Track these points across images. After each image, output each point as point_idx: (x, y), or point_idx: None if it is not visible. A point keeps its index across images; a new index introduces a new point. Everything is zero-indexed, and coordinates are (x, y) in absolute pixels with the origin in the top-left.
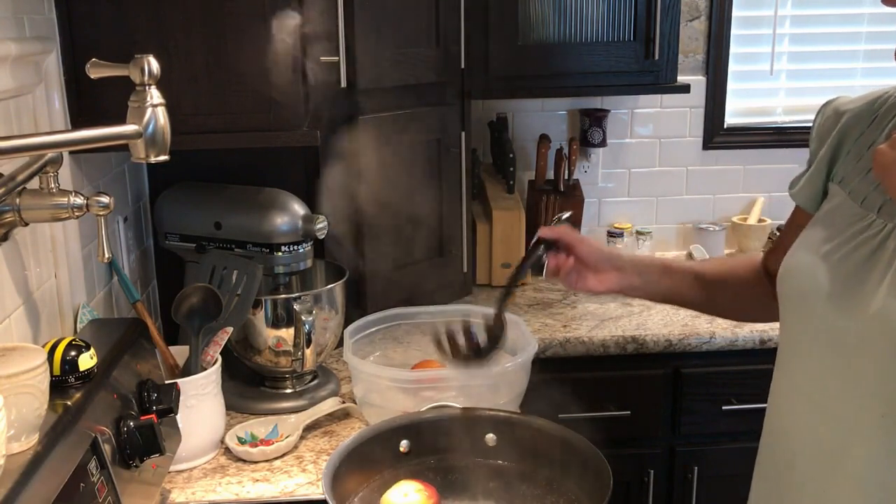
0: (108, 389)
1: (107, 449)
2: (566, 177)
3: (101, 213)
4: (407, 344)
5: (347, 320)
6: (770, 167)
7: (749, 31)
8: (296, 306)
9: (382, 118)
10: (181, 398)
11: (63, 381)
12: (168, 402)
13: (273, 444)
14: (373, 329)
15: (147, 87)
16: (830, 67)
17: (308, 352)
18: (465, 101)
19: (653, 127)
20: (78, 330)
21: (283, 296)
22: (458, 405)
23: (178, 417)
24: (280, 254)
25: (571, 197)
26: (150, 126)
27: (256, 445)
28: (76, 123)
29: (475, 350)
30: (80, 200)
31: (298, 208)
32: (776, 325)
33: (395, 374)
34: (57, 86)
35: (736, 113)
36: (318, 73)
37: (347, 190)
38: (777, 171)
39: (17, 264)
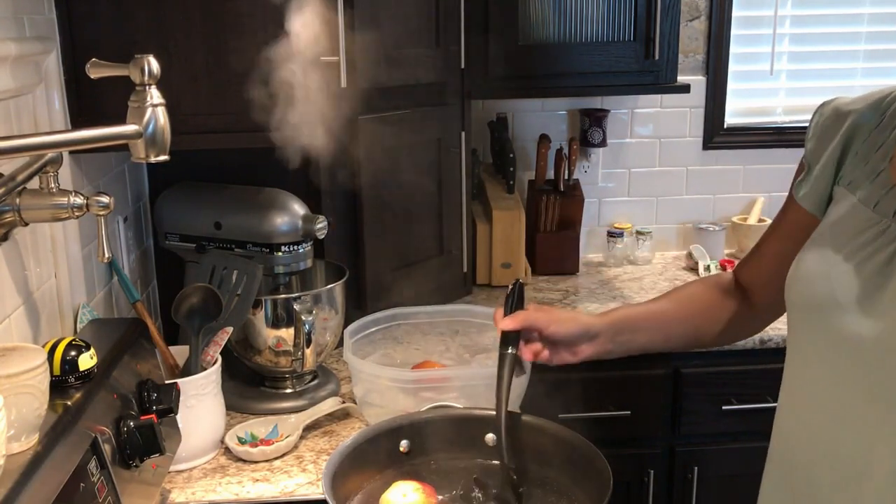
0: (108, 389)
1: (107, 449)
2: (566, 177)
3: (101, 213)
4: (407, 344)
5: (347, 320)
6: (770, 167)
7: (749, 31)
8: (296, 306)
9: (382, 118)
10: (181, 398)
11: (63, 381)
12: (168, 402)
13: (273, 444)
14: (373, 329)
15: (147, 87)
16: (830, 67)
17: (308, 352)
18: (465, 101)
19: (653, 127)
20: (78, 330)
21: (283, 296)
22: (458, 405)
23: (178, 417)
24: (280, 254)
25: (571, 197)
26: (150, 126)
27: (256, 445)
28: (76, 123)
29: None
30: (80, 200)
31: (298, 208)
32: (776, 324)
33: (395, 374)
34: (57, 86)
35: (736, 113)
36: (318, 73)
37: (347, 190)
38: (777, 171)
39: (17, 264)
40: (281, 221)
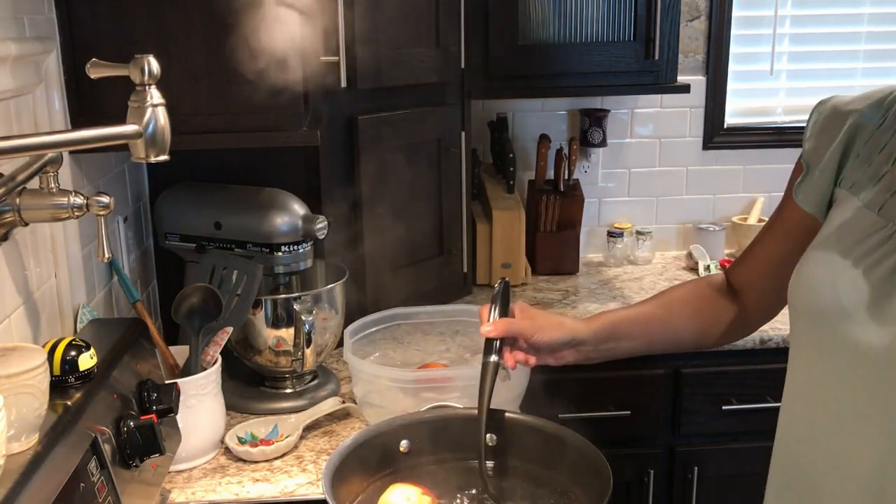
0: (108, 389)
1: (107, 449)
2: (566, 177)
3: (101, 213)
4: (407, 344)
5: (347, 320)
6: (770, 167)
7: (749, 31)
8: (296, 306)
9: (382, 118)
10: (181, 398)
11: (63, 381)
12: (168, 402)
13: (273, 444)
14: (373, 329)
15: (147, 87)
16: (830, 67)
17: (308, 352)
18: (465, 101)
19: (653, 127)
20: (78, 330)
21: (283, 296)
22: (458, 405)
23: (178, 417)
24: (280, 254)
25: (571, 197)
26: (150, 126)
27: (256, 445)
28: (76, 123)
29: None
30: (80, 200)
31: (298, 208)
32: (776, 325)
33: (395, 374)
34: (57, 86)
35: (736, 113)
36: (318, 73)
37: (347, 190)
38: (777, 171)
39: (17, 264)
40: (281, 221)
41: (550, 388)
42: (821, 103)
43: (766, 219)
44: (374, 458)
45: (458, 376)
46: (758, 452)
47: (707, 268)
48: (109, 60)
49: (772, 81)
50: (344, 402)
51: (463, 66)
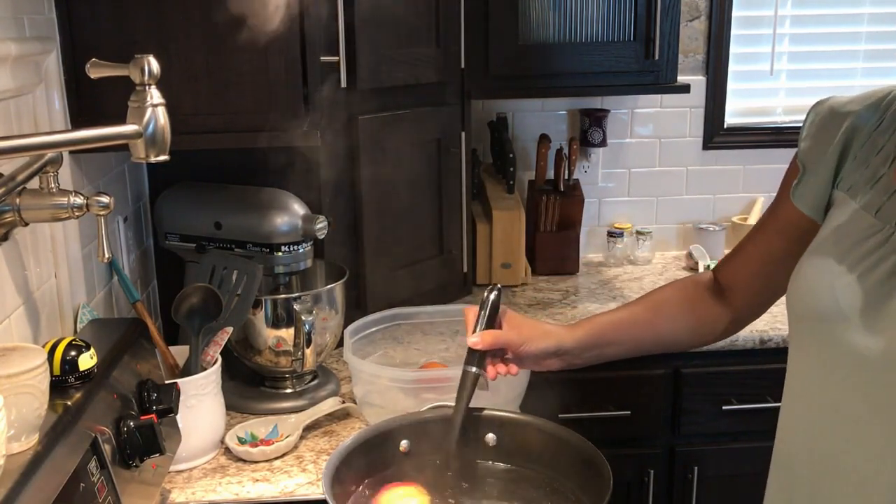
0: (108, 389)
1: (107, 449)
2: (566, 177)
3: (101, 213)
4: (407, 344)
5: (347, 320)
6: (770, 167)
7: (749, 31)
8: (296, 306)
9: (382, 118)
10: (181, 398)
11: (63, 381)
12: (168, 402)
13: (273, 444)
14: (373, 329)
15: (147, 87)
16: (830, 67)
17: (308, 352)
18: (465, 101)
19: (653, 127)
20: (78, 330)
21: (283, 296)
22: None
23: (178, 417)
24: (280, 254)
25: (571, 197)
26: (150, 126)
27: (256, 445)
28: (76, 123)
29: None
30: (80, 200)
31: (298, 208)
32: (776, 325)
33: (395, 374)
34: (57, 86)
35: (736, 113)
36: (318, 73)
37: (347, 190)
38: (777, 171)
39: (17, 264)
40: (281, 221)
41: (550, 388)
42: (818, 104)
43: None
44: (374, 458)
45: (458, 376)
46: (758, 452)
47: (707, 268)
48: (109, 60)
49: (772, 81)
50: (344, 402)
51: (463, 66)
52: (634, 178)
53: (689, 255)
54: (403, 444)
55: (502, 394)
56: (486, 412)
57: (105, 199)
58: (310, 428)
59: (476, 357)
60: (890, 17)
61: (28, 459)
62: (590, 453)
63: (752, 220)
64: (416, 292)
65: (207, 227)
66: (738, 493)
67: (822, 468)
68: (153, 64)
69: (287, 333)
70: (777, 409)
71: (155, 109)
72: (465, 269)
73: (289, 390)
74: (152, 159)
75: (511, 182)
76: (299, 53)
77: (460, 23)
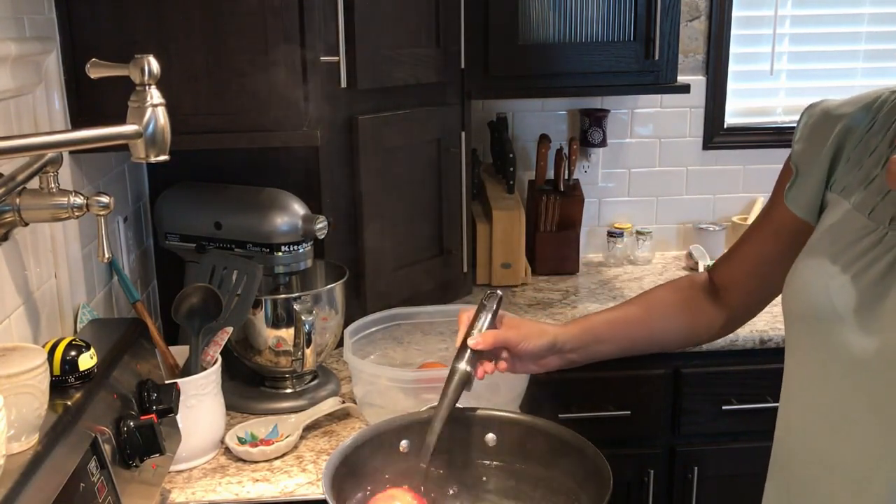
0: (108, 389)
1: (107, 449)
2: (566, 177)
3: (101, 213)
4: (407, 344)
5: (347, 320)
6: (770, 167)
7: (749, 31)
8: (296, 306)
9: (382, 118)
10: (181, 398)
11: (63, 381)
12: (168, 402)
13: (273, 444)
14: (373, 329)
15: (147, 87)
16: (830, 67)
17: (308, 352)
18: (465, 101)
19: (653, 127)
20: (78, 330)
21: (283, 296)
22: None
23: (178, 417)
24: (280, 254)
25: (571, 197)
26: (150, 126)
27: (256, 445)
28: (76, 123)
29: None
30: (80, 200)
31: (298, 208)
32: (776, 325)
33: (395, 374)
34: (57, 86)
35: (736, 113)
36: (318, 73)
37: (347, 190)
38: (777, 172)
39: (17, 264)
40: (281, 221)
41: (550, 388)
42: (811, 106)
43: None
44: (374, 458)
45: None
46: (758, 452)
47: (707, 268)
48: (109, 60)
49: (772, 81)
50: (344, 402)
51: (463, 66)
52: (634, 178)
53: (689, 255)
54: (403, 444)
55: (502, 394)
56: (486, 412)
57: (105, 199)
58: (310, 428)
59: (469, 356)
60: (890, 17)
61: (28, 459)
62: (590, 453)
63: (752, 220)
64: (416, 292)
65: (207, 227)
66: (738, 493)
67: (820, 468)
68: (153, 64)
69: (287, 333)
70: (777, 409)
71: (155, 109)
72: (465, 269)
73: (289, 390)
74: (152, 159)
75: (511, 182)
76: (299, 53)
77: (460, 23)
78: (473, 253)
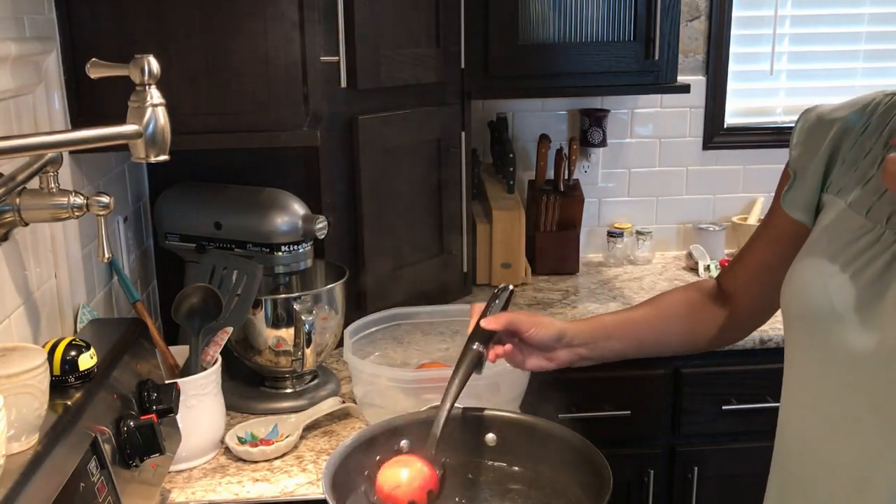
0: (108, 389)
1: (107, 449)
2: (566, 177)
3: (101, 213)
4: (407, 344)
5: (347, 320)
6: (770, 167)
7: (749, 31)
8: (296, 306)
9: (382, 118)
10: (181, 398)
11: (63, 381)
12: (168, 402)
13: (273, 443)
14: (373, 329)
15: (147, 87)
16: (830, 67)
17: (308, 352)
18: (465, 101)
19: (653, 127)
20: (78, 330)
21: (283, 296)
22: (458, 405)
23: (178, 417)
24: (280, 254)
25: (571, 197)
26: (150, 126)
27: (256, 445)
28: (76, 123)
29: None
30: (80, 200)
31: (298, 208)
32: (776, 325)
33: (395, 374)
34: (57, 86)
35: (736, 113)
36: (318, 73)
37: (347, 190)
38: (777, 171)
39: (17, 264)
40: (281, 221)
41: (550, 388)
42: (806, 111)
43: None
44: (374, 459)
45: None
46: (758, 452)
47: (707, 268)
48: (109, 60)
49: (772, 81)
50: (344, 402)
51: (463, 66)
52: (634, 178)
53: (689, 255)
54: (403, 444)
55: (502, 394)
56: (486, 412)
57: (105, 199)
58: (310, 428)
59: (482, 337)
60: (890, 17)
61: (28, 459)
62: (590, 453)
63: (752, 220)
64: (416, 292)
65: (207, 227)
66: (738, 493)
67: (820, 467)
68: (153, 64)
69: (287, 333)
70: (777, 409)
71: (155, 109)
72: (465, 269)
73: (289, 390)
74: (152, 159)
75: (511, 182)
76: (299, 53)
77: (460, 23)
78: (473, 253)
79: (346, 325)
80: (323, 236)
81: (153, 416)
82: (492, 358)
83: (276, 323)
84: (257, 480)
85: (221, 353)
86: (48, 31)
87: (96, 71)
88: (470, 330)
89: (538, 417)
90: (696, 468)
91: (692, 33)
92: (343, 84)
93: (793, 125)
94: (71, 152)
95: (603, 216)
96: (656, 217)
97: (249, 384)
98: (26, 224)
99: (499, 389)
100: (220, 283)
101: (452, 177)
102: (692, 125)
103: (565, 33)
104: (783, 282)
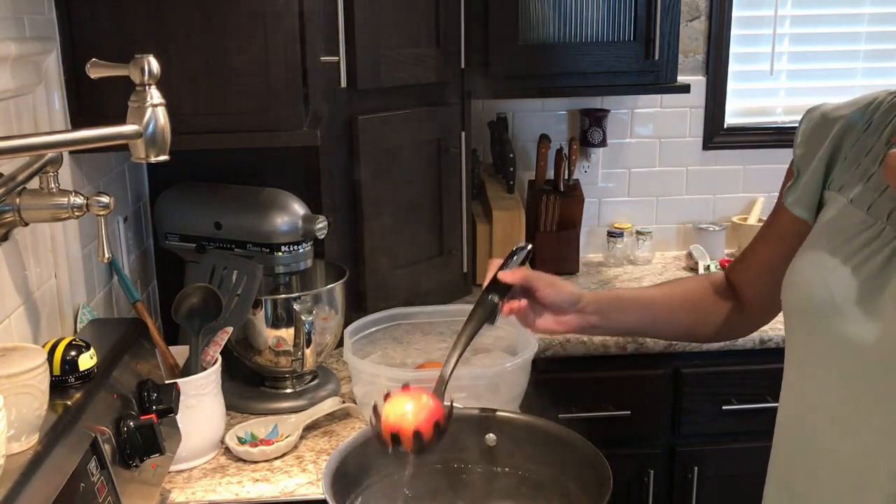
0: (108, 389)
1: (107, 449)
2: (566, 177)
3: (101, 213)
4: (407, 344)
5: (347, 320)
6: (770, 167)
7: (749, 31)
8: (296, 306)
9: (382, 118)
10: (181, 398)
11: (63, 381)
12: (168, 402)
13: (273, 444)
14: (373, 329)
15: (147, 87)
16: (830, 67)
17: (308, 352)
18: (465, 101)
19: (653, 127)
20: (78, 330)
21: (283, 296)
22: (458, 405)
23: (178, 417)
24: (280, 254)
25: (571, 197)
26: (150, 126)
27: (256, 445)
28: (76, 123)
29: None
30: (80, 200)
31: (298, 208)
32: (776, 325)
33: (395, 374)
34: (57, 86)
35: (736, 113)
36: (318, 73)
37: (347, 190)
38: (777, 171)
39: (17, 264)
40: (281, 221)
41: (550, 388)
42: (810, 110)
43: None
44: (375, 458)
45: (458, 376)
46: (758, 452)
47: (707, 268)
48: (109, 60)
49: (772, 81)
50: (344, 402)
51: (463, 66)
52: (634, 178)
53: (689, 255)
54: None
55: (502, 394)
56: (486, 412)
57: (105, 199)
58: (310, 428)
59: (497, 290)
60: (890, 17)
61: (28, 459)
62: (590, 453)
63: (752, 220)
64: (416, 292)
65: (207, 227)
66: (738, 493)
67: (820, 461)
68: (153, 64)
69: (287, 333)
70: (777, 409)
71: (155, 109)
72: (465, 269)
73: (289, 390)
74: (152, 159)
75: (511, 182)
76: (299, 53)
77: (460, 23)
78: (473, 253)
79: (346, 325)
80: (323, 236)
81: (153, 416)
82: (506, 312)
83: (276, 323)
84: (257, 480)
85: (221, 353)
86: (48, 31)
87: (96, 71)
88: (486, 283)
89: (538, 417)
90: (696, 468)
91: (692, 33)
92: (343, 84)
93: (793, 125)
94: (71, 152)
95: (603, 216)
96: (656, 217)
97: (249, 384)
98: (26, 224)
99: (499, 389)
100: (220, 283)
101: (452, 176)
102: (692, 125)
103: (565, 33)
104: (784, 277)
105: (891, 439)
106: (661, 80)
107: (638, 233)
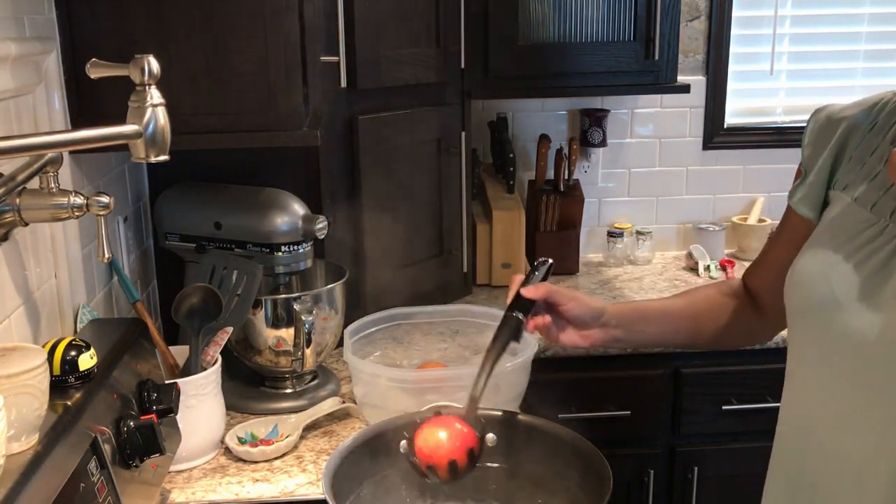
0: (108, 389)
1: (107, 449)
2: (566, 177)
3: (101, 213)
4: (407, 344)
5: (347, 320)
6: (770, 167)
7: (749, 31)
8: (296, 306)
9: (382, 118)
10: (181, 398)
11: (63, 381)
12: (168, 402)
13: (273, 444)
14: (373, 329)
15: (147, 87)
16: (830, 67)
17: (308, 352)
18: (465, 101)
19: (653, 127)
20: (78, 330)
21: (283, 296)
22: (458, 405)
23: (178, 417)
24: (280, 254)
25: (571, 197)
26: (150, 126)
27: (256, 445)
28: (76, 123)
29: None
30: (80, 200)
31: (298, 208)
32: None
33: (395, 374)
34: (57, 86)
35: (736, 113)
36: (318, 73)
37: (347, 190)
38: (777, 171)
39: (17, 264)
40: (281, 221)
41: (550, 388)
42: (817, 111)
43: (766, 219)
44: (374, 458)
45: (459, 376)
46: (758, 452)
47: (707, 268)
48: (109, 60)
49: (772, 81)
50: (344, 402)
51: (463, 66)
52: (634, 178)
53: (689, 255)
54: (403, 444)
55: (502, 394)
56: (486, 412)
57: (105, 199)
58: (310, 428)
59: (521, 306)
60: (890, 17)
61: (28, 459)
62: (590, 453)
63: (752, 220)
64: (416, 292)
65: (207, 227)
66: (738, 493)
67: (822, 457)
68: (153, 64)
69: (287, 333)
70: (777, 409)
71: (155, 109)
72: (465, 269)
73: (289, 390)
74: (152, 159)
75: (511, 182)
76: (299, 53)
77: (460, 23)
78: (473, 253)
79: (346, 325)
80: (323, 236)
81: (153, 416)
82: (531, 328)
83: (276, 323)
84: (257, 480)
85: (221, 353)
86: (48, 31)
87: (96, 71)
88: (509, 299)
89: (538, 417)
90: (696, 468)
91: (692, 33)
92: (343, 84)
93: (793, 125)
94: (71, 152)
95: (603, 216)
96: (656, 217)
97: (249, 384)
98: (26, 224)
99: (499, 389)
100: (220, 283)
101: (452, 177)
102: (692, 125)
103: (565, 33)
104: (787, 275)
105: (892, 435)
106: (661, 80)
107: (638, 233)
